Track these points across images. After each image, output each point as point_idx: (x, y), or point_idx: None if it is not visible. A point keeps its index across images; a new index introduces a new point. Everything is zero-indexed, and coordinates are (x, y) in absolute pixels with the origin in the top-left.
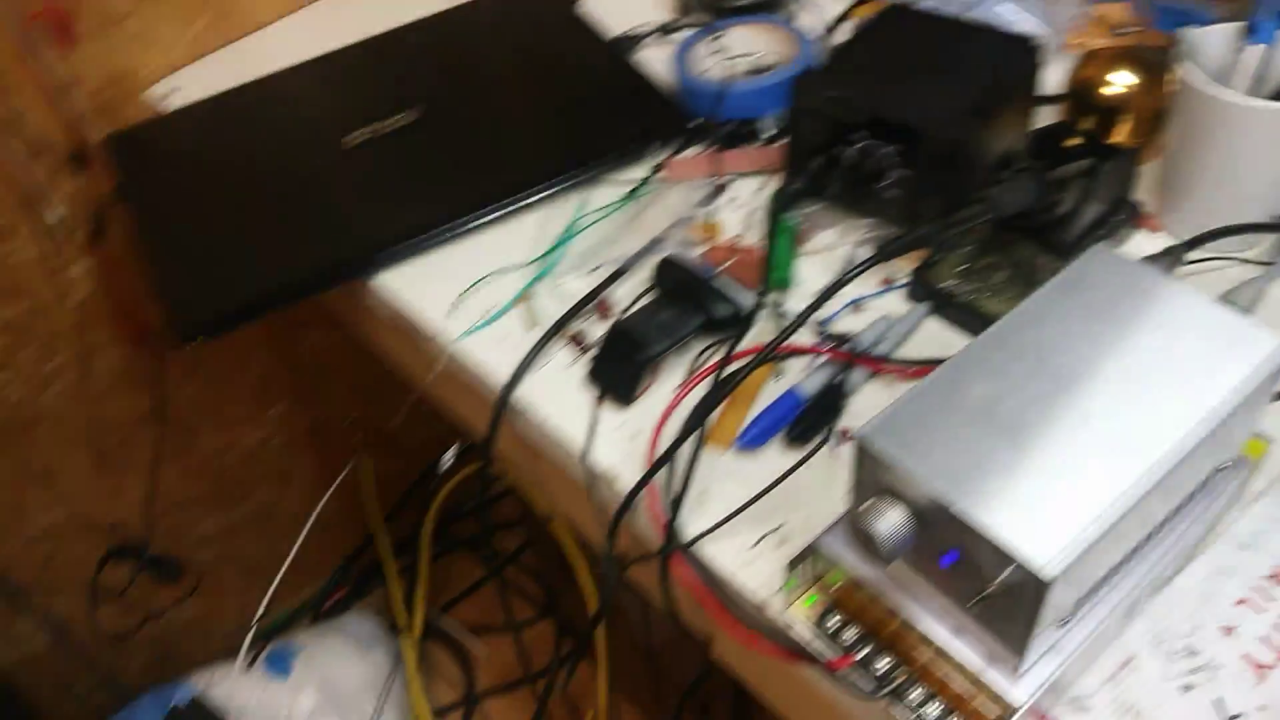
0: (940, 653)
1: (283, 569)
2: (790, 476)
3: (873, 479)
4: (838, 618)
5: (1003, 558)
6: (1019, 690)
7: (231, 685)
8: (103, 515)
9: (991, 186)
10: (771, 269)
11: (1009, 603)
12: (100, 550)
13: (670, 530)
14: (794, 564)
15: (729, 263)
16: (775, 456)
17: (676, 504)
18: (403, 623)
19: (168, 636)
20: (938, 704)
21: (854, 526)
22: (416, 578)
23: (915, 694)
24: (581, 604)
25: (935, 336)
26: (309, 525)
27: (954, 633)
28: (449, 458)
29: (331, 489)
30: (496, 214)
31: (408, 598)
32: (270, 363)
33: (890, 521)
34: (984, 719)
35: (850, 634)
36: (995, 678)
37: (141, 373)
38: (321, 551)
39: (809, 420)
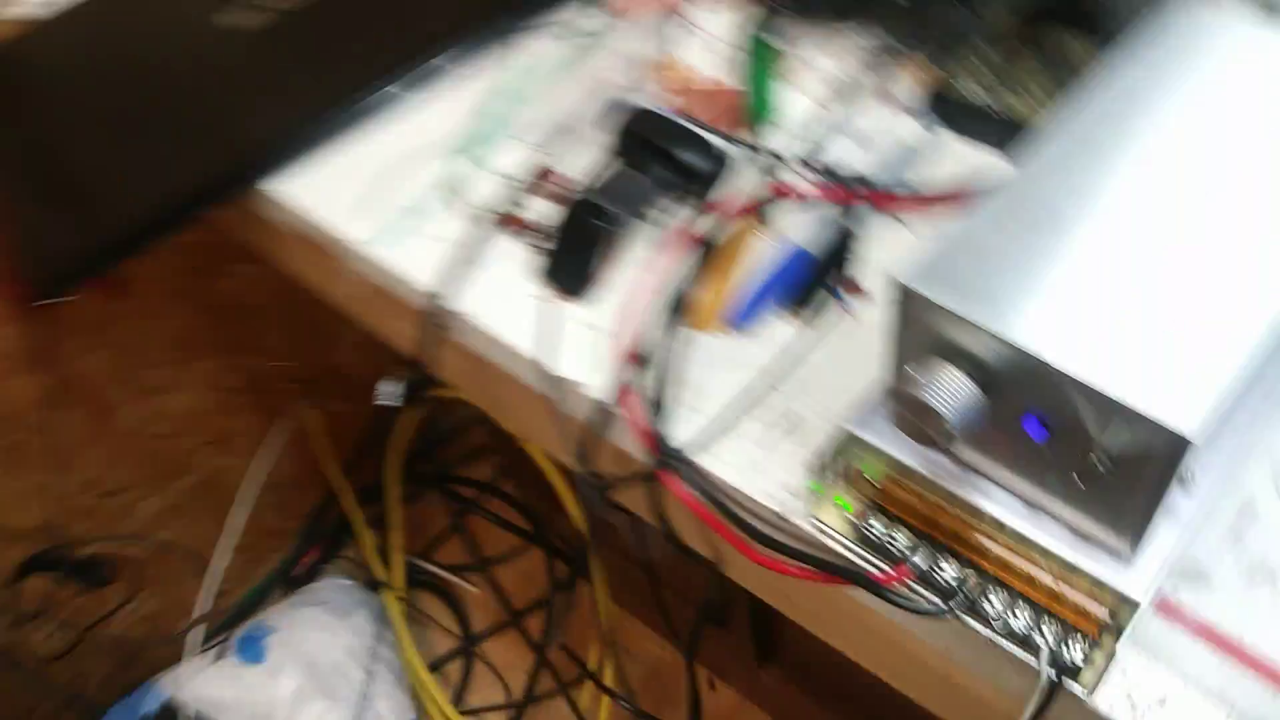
0: (1022, 543)
1: (234, 540)
2: (799, 352)
3: (921, 337)
4: (882, 520)
5: (1121, 419)
6: (1134, 578)
7: (204, 681)
8: (19, 522)
9: None
10: (751, 103)
11: (1123, 475)
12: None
13: (657, 440)
14: (823, 462)
15: (698, 106)
16: (776, 331)
17: (659, 406)
18: (381, 576)
19: (126, 638)
20: (1025, 608)
21: (899, 401)
22: (388, 526)
23: (995, 601)
24: (571, 525)
25: (961, 159)
26: (259, 489)
27: (1035, 520)
28: (392, 391)
29: (279, 445)
30: (405, 83)
31: (382, 548)
32: (187, 315)
33: (953, 389)
34: (1090, 618)
35: (901, 538)
36: (1099, 566)
37: (35, 349)
38: (281, 515)
39: (813, 279)
